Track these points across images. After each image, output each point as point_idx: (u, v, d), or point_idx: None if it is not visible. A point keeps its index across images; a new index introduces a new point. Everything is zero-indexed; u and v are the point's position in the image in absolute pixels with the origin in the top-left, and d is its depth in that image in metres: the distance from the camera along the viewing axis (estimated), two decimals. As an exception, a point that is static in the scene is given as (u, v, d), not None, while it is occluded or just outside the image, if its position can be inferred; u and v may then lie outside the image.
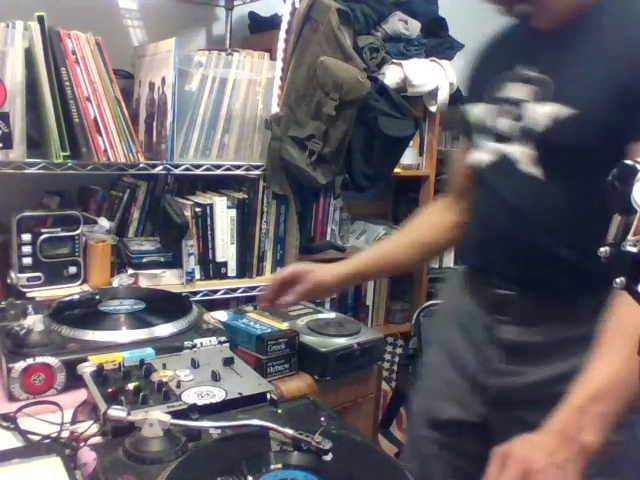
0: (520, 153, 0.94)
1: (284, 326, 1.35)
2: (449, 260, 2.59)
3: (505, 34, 1.10)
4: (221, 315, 1.41)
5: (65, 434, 0.88)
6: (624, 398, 0.80)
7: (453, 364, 1.11)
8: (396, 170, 2.13)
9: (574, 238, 0.93)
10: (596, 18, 0.92)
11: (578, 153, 0.89)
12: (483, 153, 1.01)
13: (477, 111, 1.02)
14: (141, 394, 0.91)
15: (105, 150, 1.61)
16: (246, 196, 1.88)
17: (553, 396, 0.91)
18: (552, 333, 0.96)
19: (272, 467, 0.77)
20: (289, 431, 0.81)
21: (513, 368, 1.01)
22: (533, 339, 0.98)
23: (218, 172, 1.83)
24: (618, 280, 0.54)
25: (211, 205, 1.81)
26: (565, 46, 0.94)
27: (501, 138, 0.97)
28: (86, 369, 1.00)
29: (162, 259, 1.76)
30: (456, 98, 2.23)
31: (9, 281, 1.60)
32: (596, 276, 0.87)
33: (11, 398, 1.02)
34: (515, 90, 0.95)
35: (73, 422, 0.94)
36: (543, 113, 0.91)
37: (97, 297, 1.35)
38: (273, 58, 1.89)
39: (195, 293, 1.78)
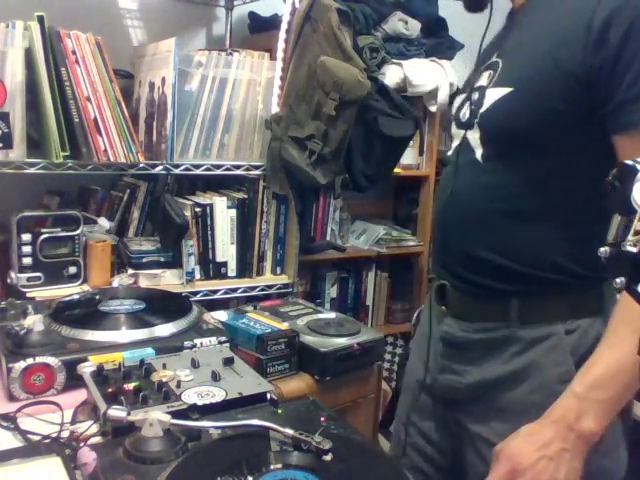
0: (471, 135, 0.93)
1: (284, 326, 1.35)
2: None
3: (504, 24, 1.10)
4: (221, 315, 1.41)
5: (65, 434, 0.88)
6: (626, 385, 0.78)
7: (412, 363, 1.11)
8: (396, 170, 2.14)
9: (501, 239, 0.91)
10: None
11: (508, 133, 0.87)
12: (455, 141, 1.01)
13: (457, 102, 1.03)
14: (141, 394, 0.91)
15: (105, 150, 1.60)
16: (246, 196, 1.88)
17: (490, 403, 0.93)
18: (485, 331, 0.95)
19: (272, 467, 0.77)
20: (289, 431, 0.81)
21: (454, 366, 0.99)
22: (469, 336, 0.97)
23: (218, 172, 1.83)
24: (618, 280, 0.54)
25: (211, 205, 1.81)
26: (516, 26, 0.93)
27: (464, 124, 0.96)
28: (86, 369, 1.00)
29: (162, 259, 1.76)
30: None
31: (9, 281, 1.60)
32: (525, 279, 0.89)
33: (11, 398, 1.02)
34: (483, 77, 0.95)
35: (73, 422, 0.94)
36: (490, 95, 0.90)
37: (97, 297, 1.35)
38: (273, 58, 1.89)
39: (195, 293, 1.78)
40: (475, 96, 0.94)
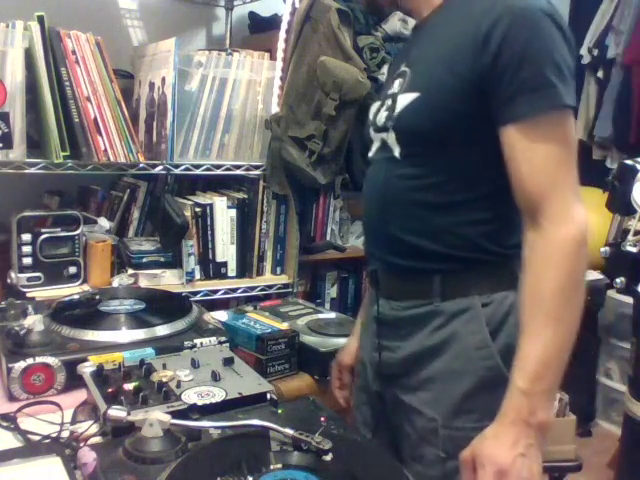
0: (388, 137, 1.02)
1: (284, 326, 1.35)
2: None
3: (410, 37, 1.21)
4: (221, 315, 1.41)
5: (65, 434, 0.88)
6: (559, 368, 0.87)
7: (362, 345, 1.18)
8: (396, 170, 2.13)
9: (421, 224, 0.99)
10: (449, 3, 1.01)
11: (420, 133, 0.97)
12: (375, 144, 1.09)
13: (372, 109, 1.11)
14: (141, 394, 0.91)
15: (105, 150, 1.61)
16: (246, 196, 1.88)
17: (418, 374, 1.01)
18: (412, 308, 1.02)
19: (272, 467, 0.77)
20: (289, 431, 0.81)
21: (387, 343, 1.07)
22: (398, 314, 1.04)
23: (218, 172, 1.83)
24: (618, 280, 0.54)
25: (211, 205, 1.81)
26: (421, 38, 1.04)
27: (381, 128, 1.05)
28: (86, 369, 1.00)
29: (162, 259, 1.76)
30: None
31: (9, 281, 1.60)
32: (445, 258, 0.99)
33: (11, 398, 1.02)
34: (394, 85, 1.04)
35: (73, 422, 0.94)
36: (401, 100, 0.99)
37: (97, 297, 1.35)
38: (273, 58, 1.89)
39: (195, 293, 1.78)
40: (389, 102, 1.03)
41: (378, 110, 1.07)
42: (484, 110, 0.91)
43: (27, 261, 1.58)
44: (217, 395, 0.95)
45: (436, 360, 1.00)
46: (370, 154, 1.10)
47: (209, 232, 1.82)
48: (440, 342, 0.99)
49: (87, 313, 1.27)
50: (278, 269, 1.96)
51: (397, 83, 1.03)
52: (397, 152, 1.00)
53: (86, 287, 1.65)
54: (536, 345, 0.86)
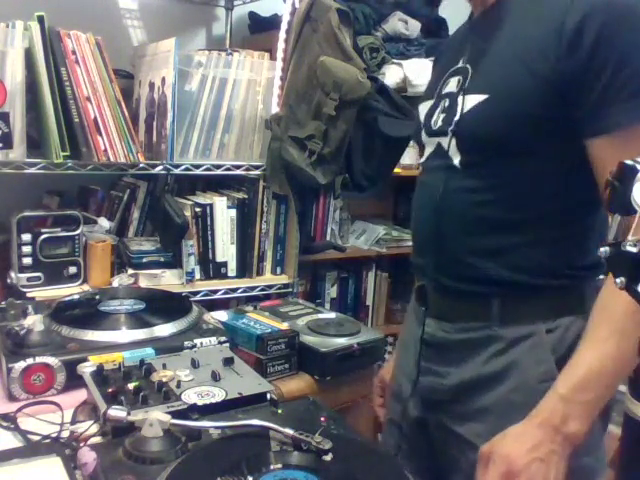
0: (447, 143, 0.92)
1: (284, 326, 1.35)
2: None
3: (458, 31, 1.09)
4: (221, 315, 1.41)
5: (65, 434, 0.88)
6: (608, 386, 0.81)
7: (400, 365, 1.11)
8: (396, 170, 2.13)
9: (480, 239, 0.90)
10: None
11: (487, 140, 0.87)
12: (427, 148, 0.99)
13: (424, 109, 1.01)
14: (141, 394, 0.91)
15: (105, 150, 1.60)
16: (246, 196, 1.88)
17: (470, 403, 0.92)
18: (466, 331, 0.94)
19: (272, 467, 0.77)
20: (289, 431, 0.81)
21: (435, 368, 0.99)
22: (450, 336, 0.96)
23: (218, 172, 1.83)
24: (618, 280, 0.54)
25: (211, 205, 1.81)
26: (484, 31, 0.92)
27: (437, 132, 0.95)
28: (86, 369, 1.00)
29: (162, 259, 1.75)
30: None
31: (9, 281, 1.60)
32: (508, 281, 0.88)
33: (11, 398, 1.02)
34: (451, 83, 0.94)
35: (73, 422, 0.94)
36: (462, 102, 0.89)
37: (97, 297, 1.35)
38: (273, 58, 1.89)
39: (195, 293, 1.78)
40: (445, 103, 0.93)
41: (431, 111, 0.97)
42: (561, 116, 0.81)
43: (27, 261, 1.58)
44: (217, 395, 0.95)
45: (493, 390, 0.91)
46: (422, 159, 1.00)
47: (209, 232, 1.82)
48: (499, 370, 0.91)
49: (87, 313, 1.27)
50: (278, 269, 1.96)
51: (454, 81, 0.92)
52: (457, 160, 0.90)
53: (86, 287, 1.65)
54: (592, 353, 0.79)
